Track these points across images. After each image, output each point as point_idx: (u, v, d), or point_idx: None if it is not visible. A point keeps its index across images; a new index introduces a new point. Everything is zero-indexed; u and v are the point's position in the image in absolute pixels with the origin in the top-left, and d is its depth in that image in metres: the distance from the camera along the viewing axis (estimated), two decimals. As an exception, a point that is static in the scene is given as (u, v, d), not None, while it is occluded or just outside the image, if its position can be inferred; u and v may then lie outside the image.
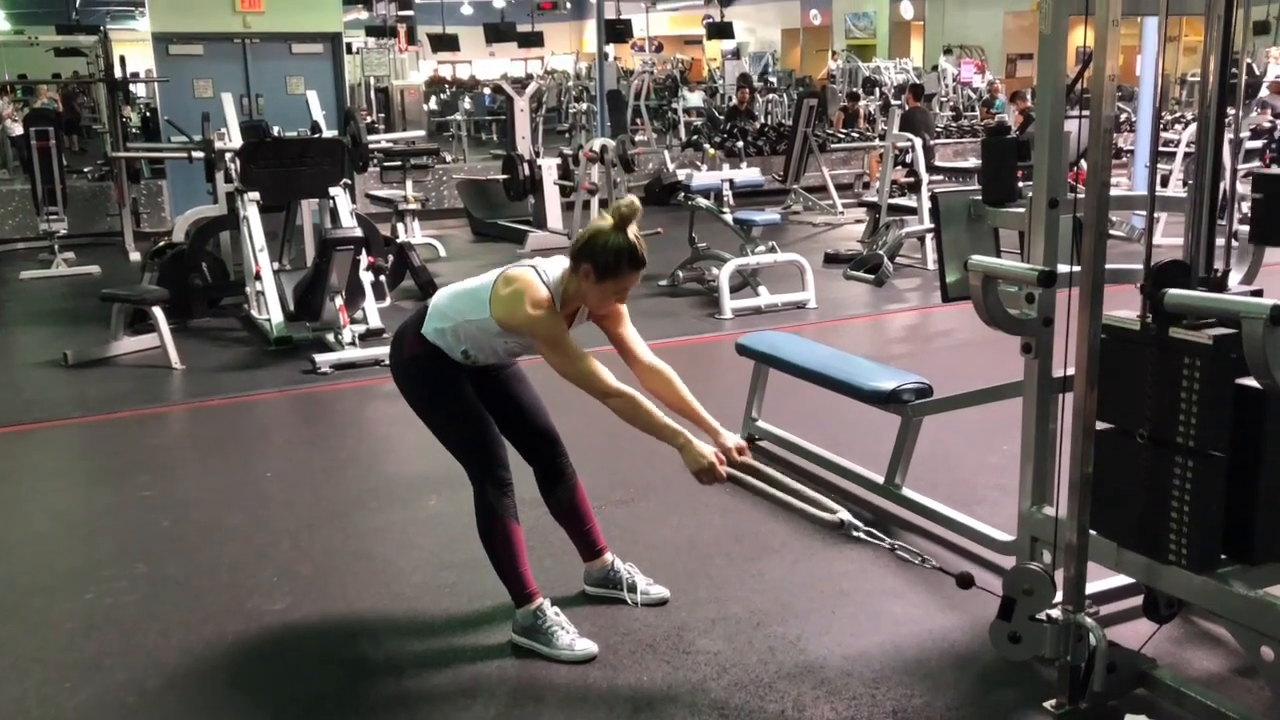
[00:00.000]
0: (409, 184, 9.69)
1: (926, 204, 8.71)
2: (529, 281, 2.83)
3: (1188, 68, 16.21)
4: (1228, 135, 2.72)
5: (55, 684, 2.93)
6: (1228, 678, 2.83)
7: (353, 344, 6.19)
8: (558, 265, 2.92)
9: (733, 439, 2.98)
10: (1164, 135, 10.87)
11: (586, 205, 9.21)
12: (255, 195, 6.71)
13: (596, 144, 9.27)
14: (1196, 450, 2.45)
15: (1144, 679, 2.69)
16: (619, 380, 2.84)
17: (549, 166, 10.08)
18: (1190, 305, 2.47)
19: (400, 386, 3.05)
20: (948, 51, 20.63)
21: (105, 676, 2.96)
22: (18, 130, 12.29)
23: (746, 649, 3.01)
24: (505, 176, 10.39)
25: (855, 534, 2.90)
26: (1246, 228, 2.74)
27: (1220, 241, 2.68)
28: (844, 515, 2.87)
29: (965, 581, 2.86)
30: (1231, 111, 2.71)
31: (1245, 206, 2.71)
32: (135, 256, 9.56)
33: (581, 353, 2.83)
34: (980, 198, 3.15)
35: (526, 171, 10.00)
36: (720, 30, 19.69)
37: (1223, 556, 2.55)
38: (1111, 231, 2.93)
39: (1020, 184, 3.06)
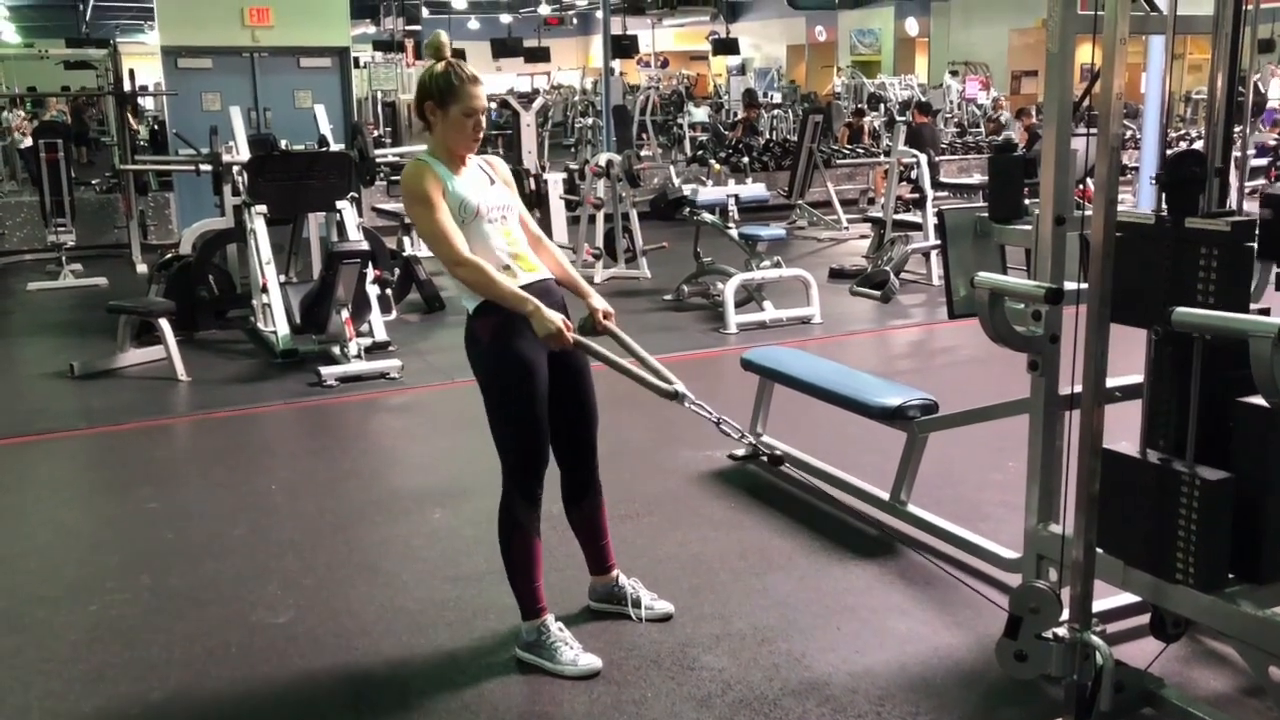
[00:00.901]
0: (415, 198, 9.68)
1: (932, 220, 8.72)
2: (409, 162, 2.99)
3: (1193, 85, 16.22)
4: (1234, 153, 2.73)
5: (59, 695, 2.93)
6: (1235, 697, 2.82)
7: (358, 357, 6.19)
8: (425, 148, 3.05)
9: (600, 303, 3.08)
10: (1171, 152, 10.86)
11: (592, 220, 9.22)
12: (262, 208, 6.73)
13: (602, 159, 9.28)
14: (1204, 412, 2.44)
15: (1151, 698, 2.68)
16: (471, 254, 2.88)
17: (555, 181, 10.08)
18: (1198, 324, 2.46)
19: (480, 376, 2.98)
20: (954, 74, 20.65)
21: (109, 688, 2.96)
22: (27, 142, 12.34)
23: (751, 665, 3.00)
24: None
25: (687, 405, 2.92)
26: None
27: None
28: (679, 387, 2.91)
29: (776, 460, 3.00)
30: (1238, 129, 2.72)
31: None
32: (142, 269, 9.58)
33: (447, 221, 2.88)
34: (987, 214, 3.15)
35: (532, 186, 10.00)
36: (726, 46, 19.78)
37: (1230, 575, 2.54)
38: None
39: (1027, 201, 3.06)
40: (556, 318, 2.85)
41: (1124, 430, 2.81)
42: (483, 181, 3.01)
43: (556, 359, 3.00)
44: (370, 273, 6.60)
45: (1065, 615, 2.61)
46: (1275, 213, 2.61)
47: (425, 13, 25.59)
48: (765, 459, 2.99)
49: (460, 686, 2.93)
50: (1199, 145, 2.79)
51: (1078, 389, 2.59)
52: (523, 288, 2.91)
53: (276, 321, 6.48)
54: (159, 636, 3.23)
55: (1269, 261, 2.84)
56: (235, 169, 7.31)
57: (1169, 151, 2.55)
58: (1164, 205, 2.60)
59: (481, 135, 2.99)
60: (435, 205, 2.87)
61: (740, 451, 4.58)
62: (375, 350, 6.43)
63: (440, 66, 2.92)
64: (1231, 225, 2.40)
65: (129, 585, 3.59)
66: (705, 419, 2.94)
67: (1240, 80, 2.71)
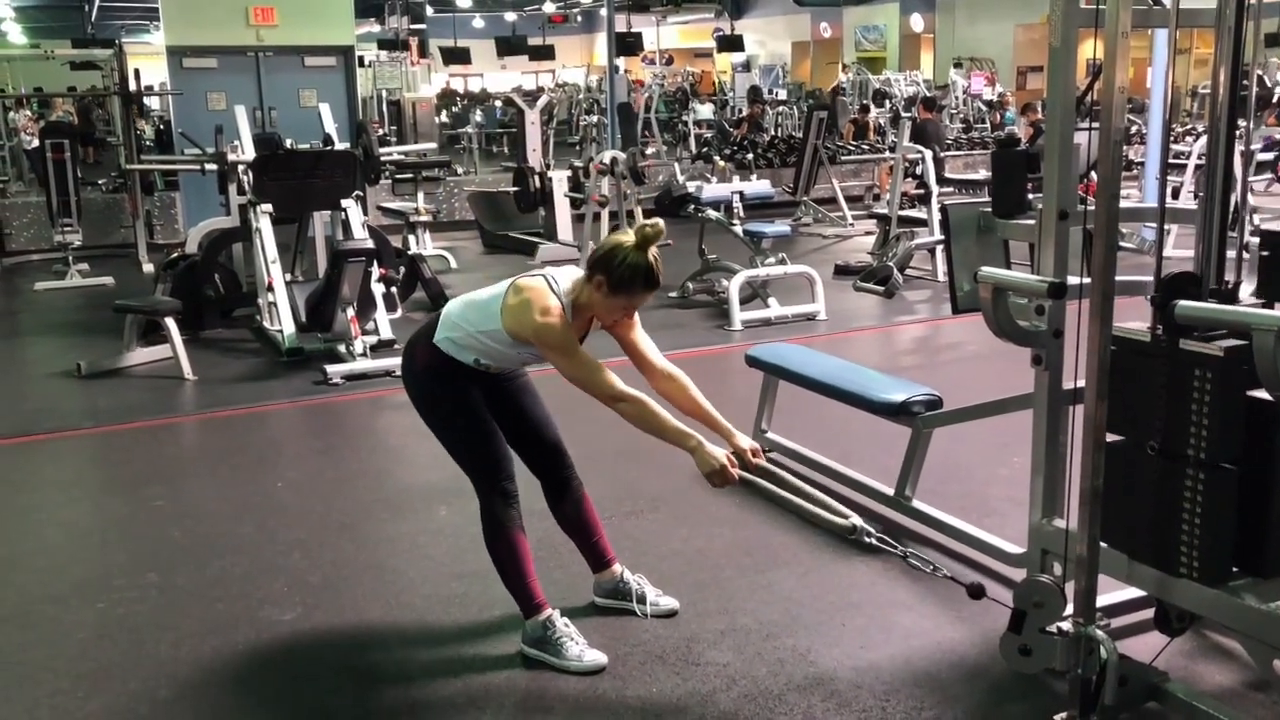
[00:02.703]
0: (420, 196, 9.72)
1: (937, 216, 8.71)
2: (539, 290, 2.85)
3: (1199, 80, 16.19)
4: (1239, 147, 2.72)
5: (67, 693, 2.94)
6: (1240, 692, 2.82)
7: (364, 355, 6.20)
8: (569, 275, 2.94)
9: (746, 441, 3.00)
10: (1175, 147, 10.85)
11: (597, 217, 9.22)
12: (268, 207, 6.74)
13: (607, 156, 9.28)
14: (1207, 463, 2.45)
15: (1155, 693, 2.68)
16: (629, 386, 2.85)
17: (559, 179, 10.11)
18: (1201, 317, 2.47)
19: (412, 396, 3.06)
20: (957, 65, 20.62)
21: (117, 685, 2.97)
22: (34, 143, 12.38)
23: (756, 661, 3.00)
24: (516, 189, 10.42)
25: (867, 539, 2.89)
26: (1257, 240, 2.74)
27: (1231, 254, 2.68)
28: (856, 520, 2.87)
29: (976, 592, 2.85)
30: (1242, 123, 2.71)
31: (1256, 218, 2.70)
32: (148, 268, 9.61)
33: (591, 360, 2.85)
34: (990, 209, 3.15)
35: (537, 184, 10.03)
36: (730, 43, 19.78)
37: (1235, 569, 2.54)
38: (1122, 244, 2.93)
39: (1030, 196, 3.06)
40: (720, 454, 2.83)
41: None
42: (586, 321, 2.97)
43: (488, 381, 3.03)
44: (375, 271, 6.61)
45: (1069, 610, 2.61)
46: (1275, 252, 2.60)
47: (430, 11, 25.66)
48: (967, 590, 2.97)
49: (467, 682, 2.94)
50: (1202, 143, 2.78)
51: (1081, 383, 2.60)
52: None
53: (282, 320, 6.50)
54: (166, 634, 3.25)
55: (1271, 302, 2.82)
56: (240, 168, 7.32)
57: (1165, 275, 2.54)
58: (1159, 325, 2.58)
59: (628, 320, 2.96)
60: (578, 355, 2.83)
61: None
62: (381, 348, 6.44)
63: (639, 258, 2.80)
64: (1224, 350, 2.41)
65: (136, 583, 3.60)
66: (892, 554, 2.91)
67: (1244, 74, 2.70)
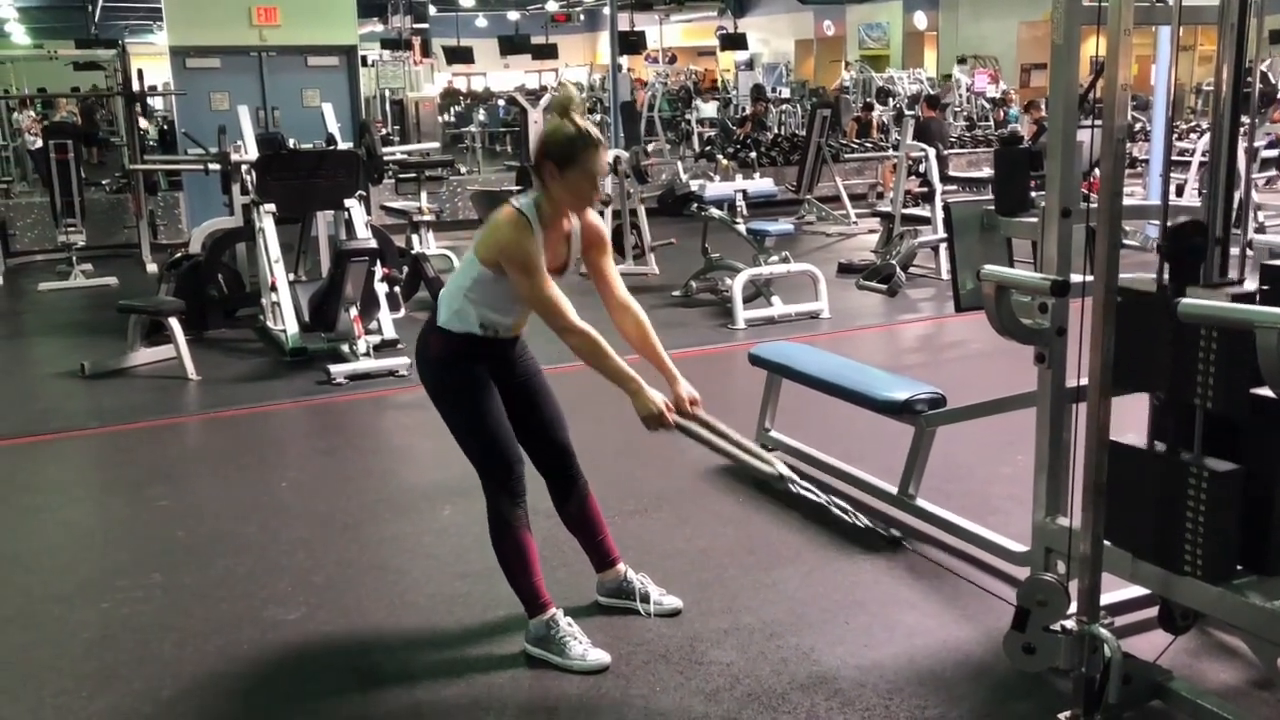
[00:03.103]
0: (423, 195, 9.72)
1: (940, 214, 8.70)
2: (504, 211, 2.88)
3: (1202, 77, 16.16)
4: (1242, 144, 2.72)
5: (71, 693, 2.95)
6: (1244, 690, 2.81)
7: (367, 355, 6.21)
8: (530, 194, 2.96)
9: (688, 389, 3.04)
10: (1179, 144, 10.83)
11: (600, 215, 9.22)
12: (271, 207, 6.75)
13: (610, 155, 9.29)
14: (1214, 414, 2.40)
15: (1160, 691, 2.67)
16: (584, 319, 2.87)
17: (563, 177, 10.08)
18: (1204, 315, 2.46)
19: (427, 387, 3.04)
20: (961, 61, 20.60)
21: (121, 685, 2.98)
22: (37, 143, 12.40)
23: (760, 660, 3.00)
24: (519, 188, 10.42)
25: (791, 486, 2.92)
26: (1261, 237, 2.73)
27: (1235, 251, 2.68)
28: (781, 469, 2.91)
29: (894, 541, 2.84)
30: (1246, 120, 2.71)
31: (1260, 215, 2.70)
32: (152, 268, 9.62)
33: (552, 286, 2.85)
34: (993, 207, 3.15)
35: (540, 183, 10.00)
36: (734, 41, 19.76)
37: (1239, 567, 2.53)
38: (1125, 241, 2.93)
39: (1033, 193, 3.06)
40: (658, 399, 2.85)
41: (1131, 422, 2.81)
42: (562, 240, 2.98)
43: (506, 373, 3.02)
44: (379, 271, 6.62)
45: (1073, 608, 2.61)
46: (1274, 287, 2.58)
47: (433, 10, 25.66)
48: (885, 538, 2.95)
49: (470, 682, 2.94)
50: (1205, 140, 2.78)
51: (1084, 381, 2.59)
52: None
53: (285, 320, 6.51)
54: (171, 634, 3.25)
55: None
56: (244, 168, 7.33)
57: (1170, 223, 2.53)
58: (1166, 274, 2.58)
59: (598, 198, 2.95)
60: (537, 272, 2.82)
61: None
62: (384, 348, 6.45)
63: (567, 126, 2.82)
64: (1232, 298, 2.40)
65: (141, 583, 3.61)
66: (816, 501, 2.92)
67: (1248, 71, 2.70)
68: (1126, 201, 2.55)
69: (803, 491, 2.89)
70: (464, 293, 2.93)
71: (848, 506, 2.96)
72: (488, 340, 2.97)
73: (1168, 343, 2.49)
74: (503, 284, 2.89)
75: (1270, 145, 11.38)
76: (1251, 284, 2.67)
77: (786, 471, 2.88)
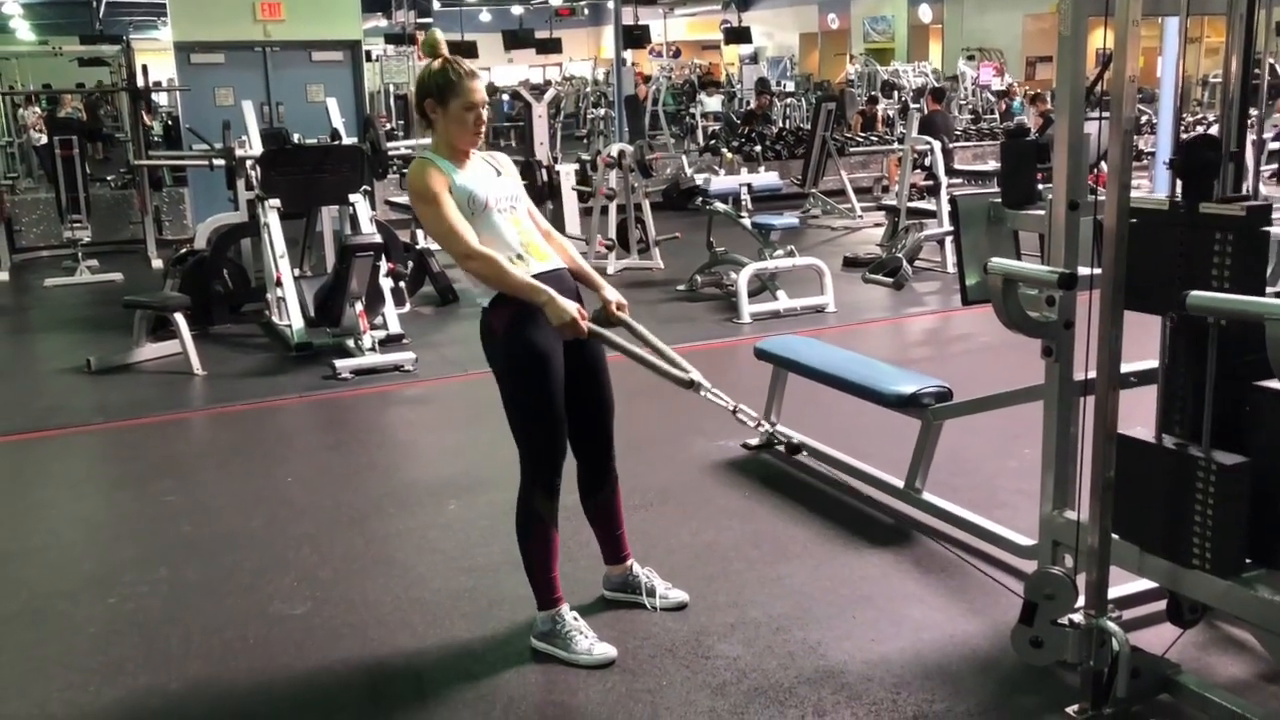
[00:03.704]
0: (428, 190, 9.70)
1: (946, 207, 8.68)
2: (414, 160, 2.98)
3: (1209, 69, 16.09)
4: (1250, 136, 2.70)
5: (78, 687, 2.95)
6: (1253, 683, 2.80)
7: (373, 350, 6.21)
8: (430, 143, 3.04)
9: (614, 295, 3.08)
10: (1185, 137, 10.77)
11: (604, 210, 9.22)
12: (276, 202, 6.75)
13: (614, 149, 9.27)
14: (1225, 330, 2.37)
15: (1168, 684, 2.66)
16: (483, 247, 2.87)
17: (567, 172, 10.08)
18: (1213, 308, 2.45)
19: (496, 369, 2.98)
20: (970, 58, 20.54)
21: (128, 680, 2.98)
22: (42, 139, 12.40)
23: (766, 654, 3.00)
24: (523, 182, 10.38)
25: (703, 394, 2.90)
26: (1272, 230, 2.72)
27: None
28: (695, 376, 2.89)
29: (793, 449, 3.08)
30: (1254, 113, 2.69)
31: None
32: (157, 264, 9.64)
33: (454, 214, 2.87)
34: (1000, 200, 3.13)
35: (545, 177, 10.00)
36: (738, 35, 19.71)
37: (1247, 561, 2.52)
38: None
39: (1040, 186, 3.05)
40: (571, 307, 2.85)
41: (1139, 415, 2.80)
42: (489, 174, 3.02)
43: (573, 352, 3.00)
44: (384, 265, 6.61)
45: (1081, 601, 2.61)
46: None
47: (437, 5, 25.64)
48: (782, 447, 2.97)
49: (476, 676, 2.94)
50: (1214, 130, 2.76)
51: (1092, 374, 2.58)
52: (536, 276, 2.90)
53: (291, 315, 6.51)
54: (177, 629, 3.26)
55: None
56: (248, 163, 7.33)
57: (1183, 136, 2.50)
58: (1178, 190, 2.58)
59: (483, 129, 2.98)
60: (442, 202, 2.86)
61: (755, 441, 4.57)
62: (389, 343, 6.45)
63: (437, 64, 2.93)
64: (1246, 210, 2.38)
65: (147, 578, 3.61)
66: (721, 407, 2.94)
67: (1256, 63, 2.68)
68: (1133, 194, 2.54)
69: (710, 398, 2.87)
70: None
71: (754, 414, 2.93)
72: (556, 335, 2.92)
73: (1182, 256, 2.47)
74: (477, 222, 2.91)
75: (1278, 138, 11.33)
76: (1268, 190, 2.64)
77: (699, 378, 2.88)
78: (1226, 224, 2.40)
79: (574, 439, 3.10)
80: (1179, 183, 2.57)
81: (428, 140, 3.11)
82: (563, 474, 2.99)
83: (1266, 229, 2.38)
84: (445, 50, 2.97)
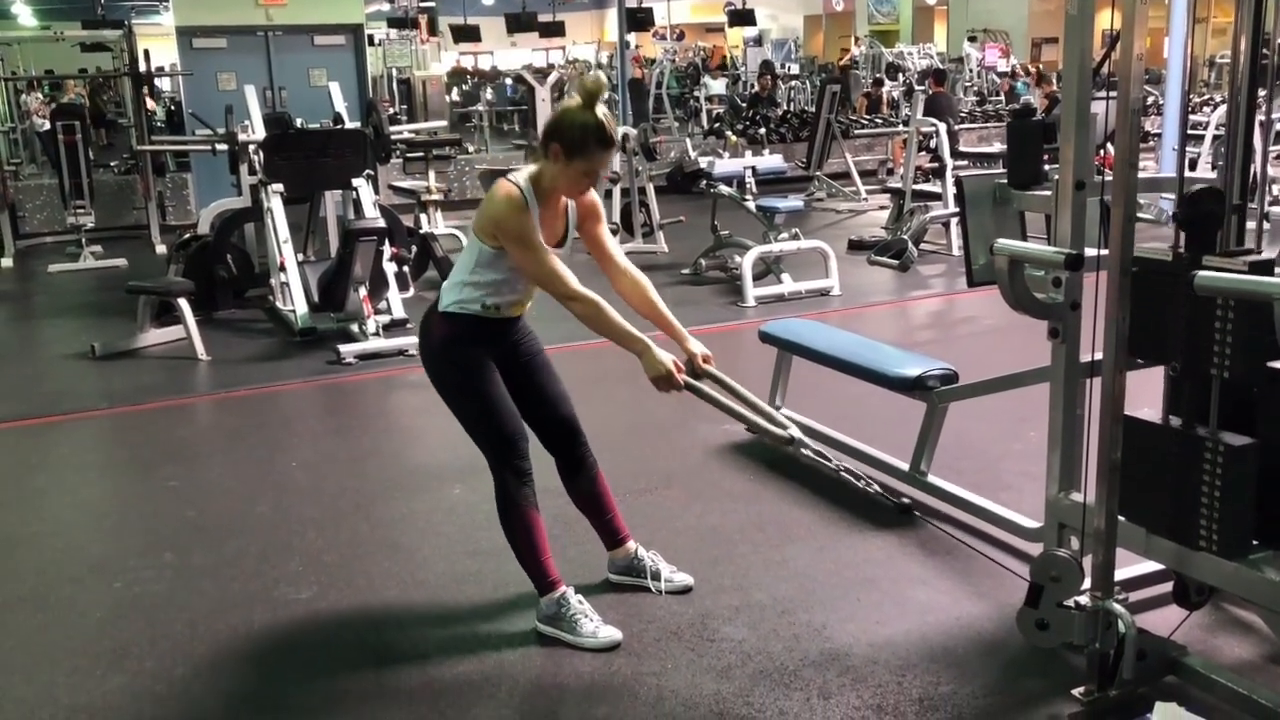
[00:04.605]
0: (431, 175, 9.70)
1: (951, 189, 8.65)
2: (500, 185, 2.85)
3: (1217, 49, 16.00)
4: (1258, 117, 2.68)
5: (85, 672, 2.96)
6: (1260, 664, 2.80)
7: (377, 334, 6.21)
8: (528, 169, 2.93)
9: (698, 347, 3.00)
10: (1193, 118, 10.73)
11: (609, 194, 9.19)
12: (279, 187, 6.73)
13: (618, 132, 9.24)
14: (1230, 382, 2.37)
15: (1174, 666, 2.66)
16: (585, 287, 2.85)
17: (571, 156, 10.04)
18: (1220, 288, 2.43)
19: (429, 371, 3.05)
20: (972, 39, 20.43)
21: (133, 664, 2.99)
22: (45, 125, 12.39)
23: (771, 637, 3.00)
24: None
25: (803, 451, 2.87)
26: (1278, 209, 2.70)
27: (1251, 225, 2.65)
28: (794, 432, 2.85)
29: (905, 510, 2.83)
30: (1262, 93, 2.67)
31: (1276, 189, 2.66)
32: (161, 249, 9.63)
33: (550, 254, 2.84)
34: (1005, 181, 3.11)
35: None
36: (742, 18, 19.62)
37: (1254, 542, 2.52)
38: (1140, 215, 2.88)
39: (1046, 167, 3.02)
40: (667, 359, 2.82)
41: (1146, 397, 2.79)
42: (559, 216, 2.96)
43: (509, 354, 3.02)
44: (387, 250, 6.60)
45: (1087, 584, 2.60)
46: None
47: (440, -12, 25.49)
48: (894, 507, 2.91)
49: (481, 659, 2.94)
50: (1220, 113, 2.73)
51: (1099, 356, 2.57)
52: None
53: (295, 300, 6.51)
54: (182, 613, 3.26)
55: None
56: (251, 148, 7.31)
57: (1187, 192, 2.50)
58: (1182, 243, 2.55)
59: (592, 190, 2.93)
60: (535, 246, 2.81)
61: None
62: (393, 327, 6.45)
63: (588, 116, 2.77)
64: (1249, 266, 2.37)
65: (152, 563, 3.62)
66: (826, 468, 2.88)
67: (1265, 43, 2.66)
68: (1141, 175, 2.52)
69: (814, 458, 2.85)
70: (467, 277, 2.93)
71: (859, 473, 2.93)
72: (490, 320, 2.97)
73: (1184, 312, 2.46)
74: (504, 259, 2.88)
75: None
76: (1270, 253, 2.64)
77: (799, 435, 2.84)
78: None
79: (540, 435, 3.14)
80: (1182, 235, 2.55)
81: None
82: (528, 454, 2.99)
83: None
84: (602, 105, 2.80)
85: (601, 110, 2.79)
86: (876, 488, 3.11)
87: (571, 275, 2.84)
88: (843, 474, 2.89)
